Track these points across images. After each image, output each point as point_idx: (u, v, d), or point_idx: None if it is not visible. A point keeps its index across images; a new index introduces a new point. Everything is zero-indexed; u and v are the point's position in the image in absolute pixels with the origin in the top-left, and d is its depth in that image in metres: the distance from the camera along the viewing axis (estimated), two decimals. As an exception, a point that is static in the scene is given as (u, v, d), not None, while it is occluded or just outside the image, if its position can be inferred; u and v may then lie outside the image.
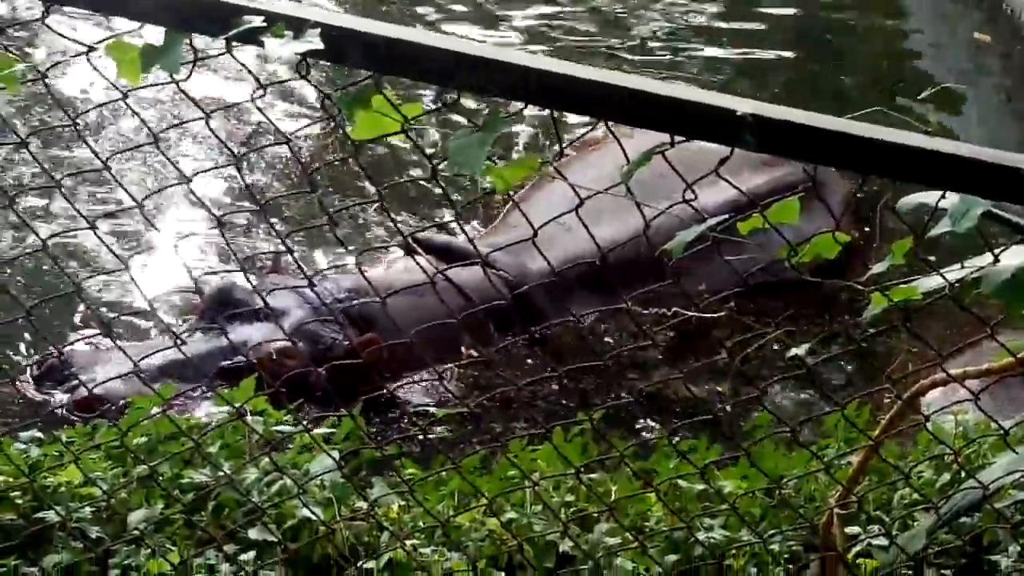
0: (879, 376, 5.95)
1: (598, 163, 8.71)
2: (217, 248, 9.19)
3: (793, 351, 3.63)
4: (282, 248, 8.64)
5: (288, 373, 6.80)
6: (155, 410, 5.24)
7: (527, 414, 7.55)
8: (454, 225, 9.23)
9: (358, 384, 6.57)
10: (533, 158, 3.42)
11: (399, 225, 8.76)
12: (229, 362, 7.52)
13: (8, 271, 8.45)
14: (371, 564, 4.95)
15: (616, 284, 7.74)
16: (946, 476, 5.08)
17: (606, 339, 8.54)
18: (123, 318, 8.47)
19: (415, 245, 8.44)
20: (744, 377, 6.36)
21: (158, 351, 6.01)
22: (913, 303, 3.55)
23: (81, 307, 8.30)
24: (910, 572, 4.88)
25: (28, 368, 7.64)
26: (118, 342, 6.61)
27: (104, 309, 8.52)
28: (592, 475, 5.29)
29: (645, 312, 8.10)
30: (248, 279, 7.27)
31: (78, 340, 7.93)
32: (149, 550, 4.80)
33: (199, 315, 8.03)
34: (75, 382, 7.13)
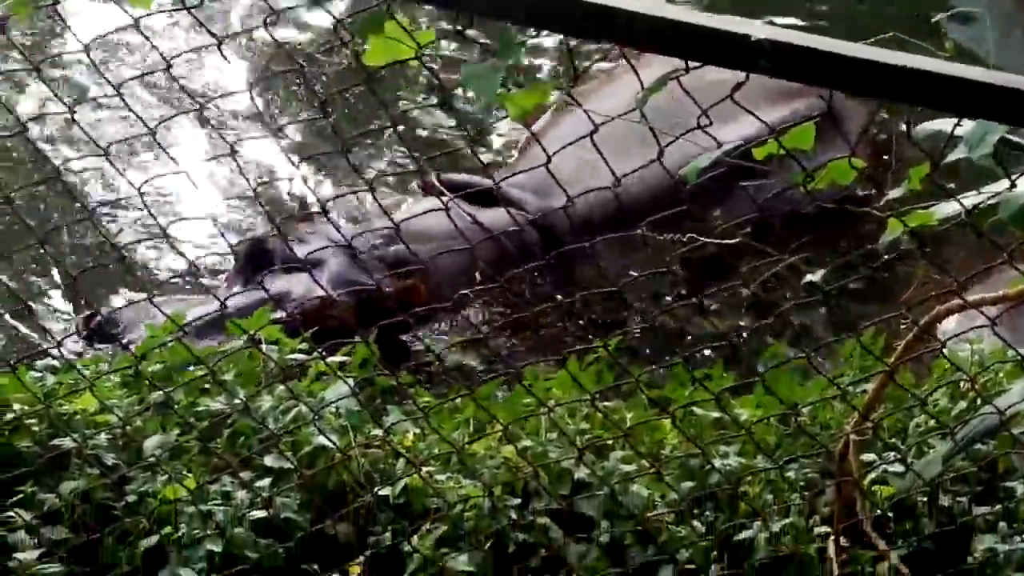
0: (895, 304, 5.93)
1: (615, 95, 8.65)
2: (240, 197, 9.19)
3: (809, 277, 3.61)
4: (305, 193, 8.57)
5: (332, 323, 6.78)
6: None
7: (545, 344, 7.53)
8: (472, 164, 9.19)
9: (397, 330, 6.55)
10: (547, 84, 3.40)
11: (420, 163, 8.68)
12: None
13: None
14: (386, 491, 4.96)
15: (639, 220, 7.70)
16: (962, 404, 5.07)
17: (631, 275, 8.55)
18: (158, 275, 8.47)
19: (438, 184, 8.38)
20: (760, 304, 6.35)
21: (200, 308, 5.96)
22: (929, 228, 3.53)
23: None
24: (925, 499, 4.89)
25: (76, 324, 7.64)
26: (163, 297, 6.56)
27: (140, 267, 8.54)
28: (607, 403, 5.28)
29: (664, 240, 8.06)
30: (275, 224, 7.19)
31: (125, 297, 7.89)
32: (165, 476, 4.81)
33: (236, 271, 7.97)
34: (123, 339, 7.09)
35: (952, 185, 3.70)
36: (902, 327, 5.48)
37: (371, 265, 7.51)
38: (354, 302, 7.48)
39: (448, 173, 8.85)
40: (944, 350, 3.86)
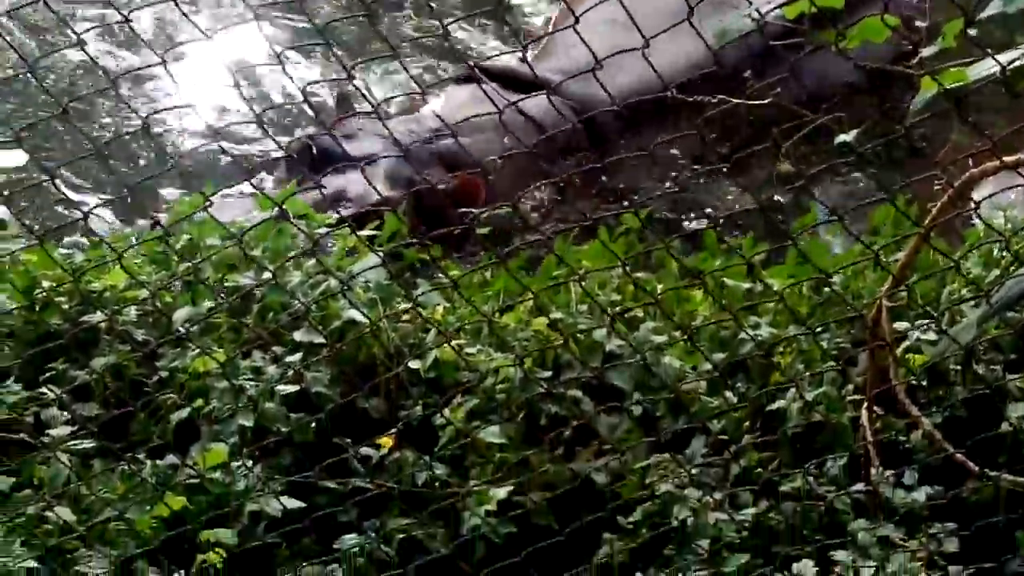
0: (930, 168, 5.85)
1: None
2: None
3: (842, 137, 3.55)
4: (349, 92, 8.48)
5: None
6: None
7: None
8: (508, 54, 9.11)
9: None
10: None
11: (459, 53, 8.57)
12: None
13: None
14: (417, 364, 4.94)
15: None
16: (995, 272, 5.03)
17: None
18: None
19: (477, 72, 8.28)
20: (793, 168, 6.25)
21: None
22: (964, 88, 3.46)
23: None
24: (958, 367, 4.85)
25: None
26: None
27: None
28: (638, 274, 5.24)
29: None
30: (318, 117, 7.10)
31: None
32: (195, 351, 4.80)
33: (287, 169, 7.89)
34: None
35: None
36: (936, 189, 5.43)
37: (426, 160, 7.45)
38: (412, 199, 7.39)
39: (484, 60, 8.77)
40: (978, 212, 3.78)
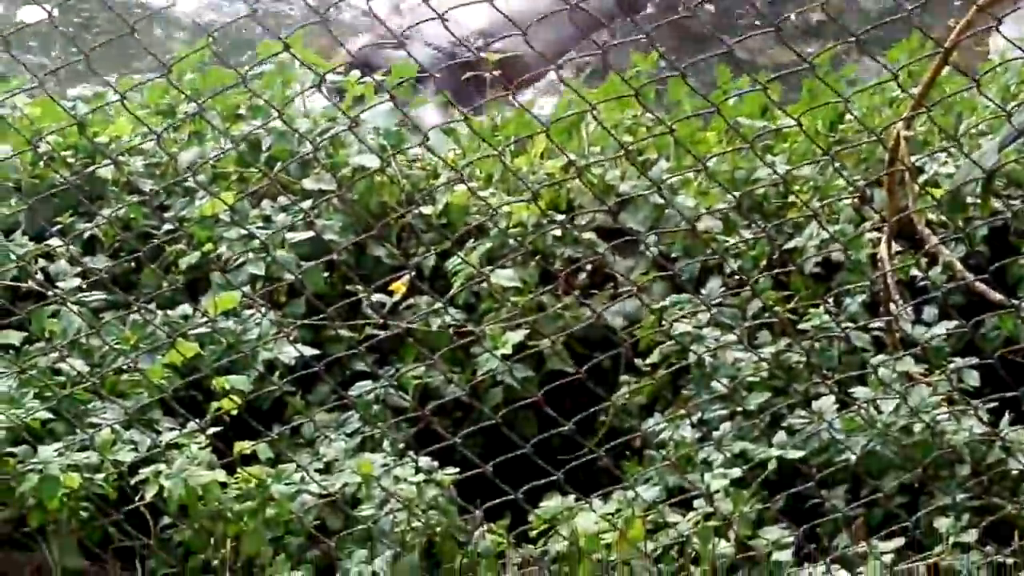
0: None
1: None
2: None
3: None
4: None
5: None
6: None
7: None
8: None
9: None
10: None
11: None
12: None
13: None
14: (428, 209, 4.88)
15: None
16: (1013, 104, 4.94)
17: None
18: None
19: None
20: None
21: None
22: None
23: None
24: (977, 200, 4.79)
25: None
26: None
27: None
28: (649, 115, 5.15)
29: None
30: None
31: None
32: (204, 199, 4.72)
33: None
34: None
35: None
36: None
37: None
38: None
39: None
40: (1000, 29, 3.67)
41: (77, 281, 4.56)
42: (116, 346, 4.30)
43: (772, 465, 4.16)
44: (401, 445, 4.31)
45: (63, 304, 4.35)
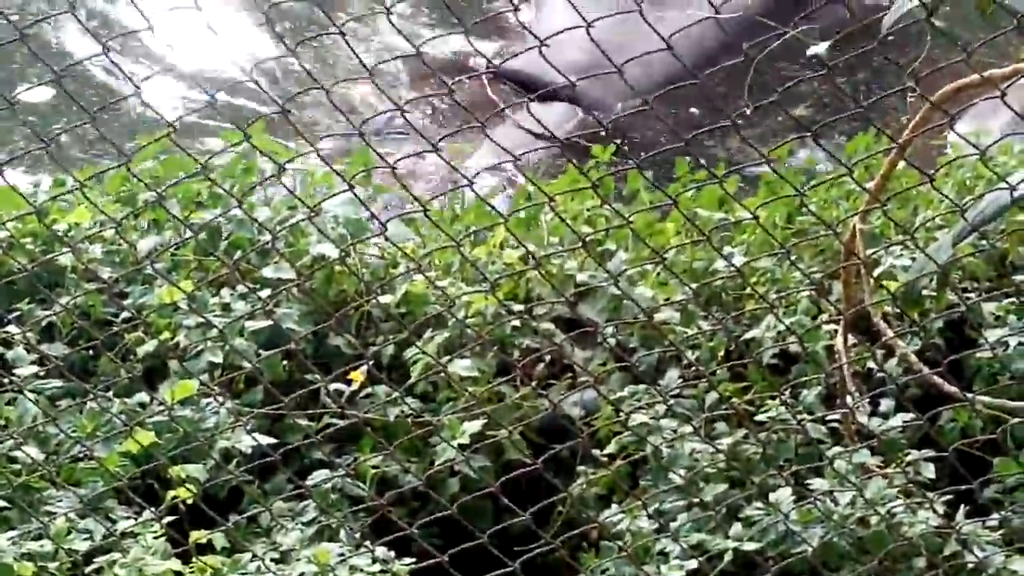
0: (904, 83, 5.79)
1: None
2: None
3: (813, 49, 3.49)
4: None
5: None
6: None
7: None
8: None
9: None
10: None
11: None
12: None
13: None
14: (387, 298, 4.89)
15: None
16: (968, 197, 5.00)
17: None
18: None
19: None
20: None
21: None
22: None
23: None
24: (933, 293, 4.82)
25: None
26: None
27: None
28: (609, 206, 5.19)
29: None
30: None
31: None
32: (163, 286, 4.72)
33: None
34: None
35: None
36: (910, 101, 5.38)
37: None
38: None
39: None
40: (954, 123, 3.71)
41: (34, 368, 4.55)
42: (72, 434, 4.28)
43: (729, 557, 4.15)
44: (358, 535, 4.29)
45: (19, 392, 4.33)
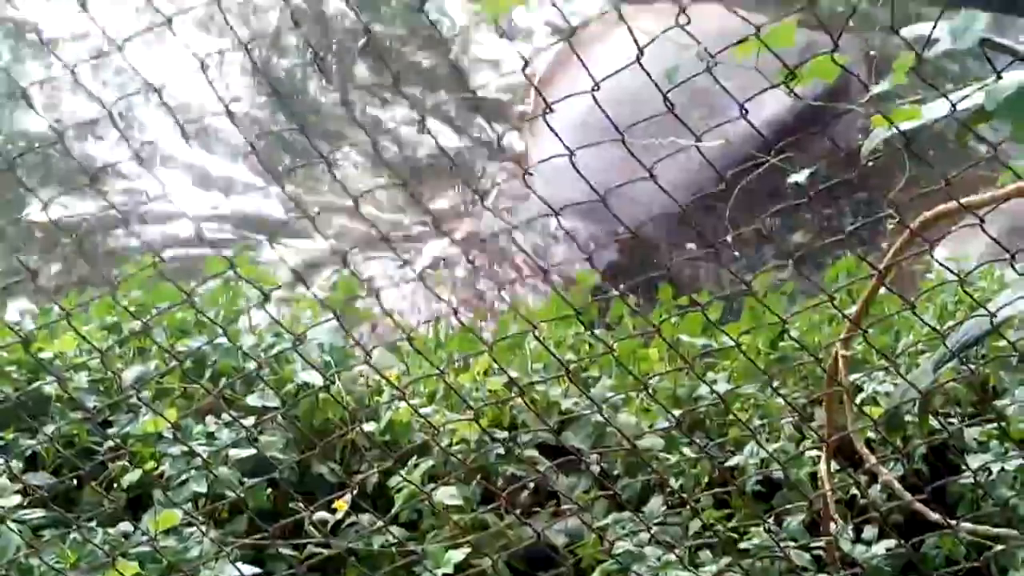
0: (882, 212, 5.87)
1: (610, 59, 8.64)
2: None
3: (793, 177, 3.54)
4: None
5: None
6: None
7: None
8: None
9: None
10: (524, -12, 3.28)
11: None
12: None
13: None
14: (371, 427, 4.89)
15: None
16: (950, 322, 5.04)
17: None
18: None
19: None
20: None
21: None
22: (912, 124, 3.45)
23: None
24: (915, 419, 4.85)
25: None
26: None
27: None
28: (594, 331, 5.22)
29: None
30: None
31: None
32: (147, 415, 4.73)
33: None
34: None
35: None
36: (890, 227, 5.41)
37: None
38: None
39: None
40: (933, 254, 3.77)
41: (18, 499, 4.54)
42: (56, 565, 4.25)
43: None
44: (342, 665, 4.27)
45: (2, 522, 4.31)
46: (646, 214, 7.73)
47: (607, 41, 8.93)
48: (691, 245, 8.50)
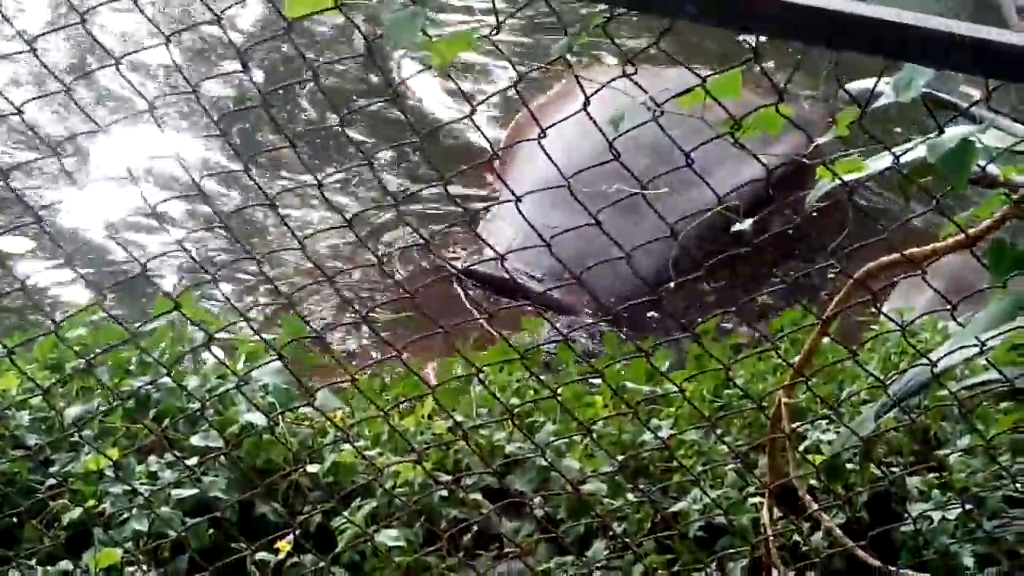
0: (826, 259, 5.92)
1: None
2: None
3: (737, 226, 3.57)
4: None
5: None
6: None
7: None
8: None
9: None
10: (468, 33, 3.30)
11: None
12: None
13: None
14: (315, 468, 4.88)
15: None
16: (892, 373, 5.07)
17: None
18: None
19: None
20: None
21: None
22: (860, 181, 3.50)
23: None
24: (857, 467, 4.88)
25: None
26: None
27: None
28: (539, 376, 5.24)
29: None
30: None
31: None
32: (89, 454, 4.71)
33: None
34: None
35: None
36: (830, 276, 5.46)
37: None
38: None
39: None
40: (876, 303, 3.81)
41: (-45, 537, 4.51)
42: (-7, 603, 4.24)
43: None
44: None
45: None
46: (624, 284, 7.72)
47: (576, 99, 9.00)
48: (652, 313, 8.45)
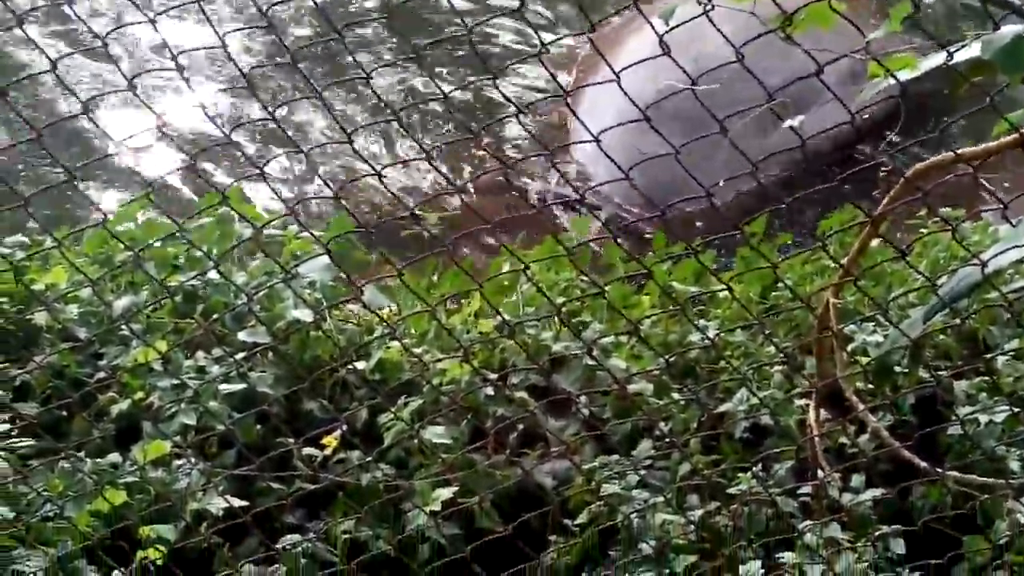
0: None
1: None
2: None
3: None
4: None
5: None
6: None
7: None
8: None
9: None
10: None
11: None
12: None
13: None
14: (362, 365, 4.89)
15: None
16: (941, 275, 5.03)
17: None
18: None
19: None
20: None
21: None
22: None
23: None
24: (906, 370, 4.86)
25: None
26: None
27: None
28: (585, 277, 5.22)
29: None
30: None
31: None
32: (138, 348, 4.73)
33: None
34: None
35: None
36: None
37: None
38: None
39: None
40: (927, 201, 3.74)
41: (6, 427, 4.54)
42: (43, 493, 4.27)
43: (699, 627, 4.15)
44: (328, 599, 4.28)
45: (-9, 450, 4.33)
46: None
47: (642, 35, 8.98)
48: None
